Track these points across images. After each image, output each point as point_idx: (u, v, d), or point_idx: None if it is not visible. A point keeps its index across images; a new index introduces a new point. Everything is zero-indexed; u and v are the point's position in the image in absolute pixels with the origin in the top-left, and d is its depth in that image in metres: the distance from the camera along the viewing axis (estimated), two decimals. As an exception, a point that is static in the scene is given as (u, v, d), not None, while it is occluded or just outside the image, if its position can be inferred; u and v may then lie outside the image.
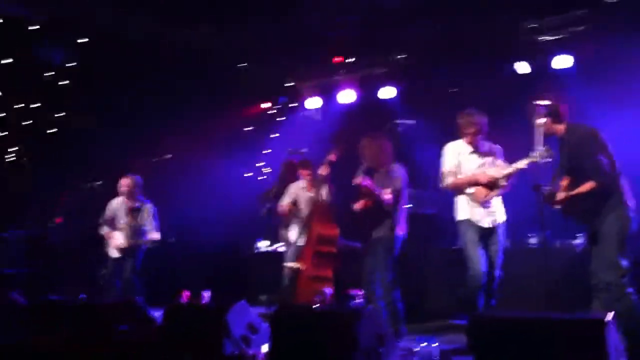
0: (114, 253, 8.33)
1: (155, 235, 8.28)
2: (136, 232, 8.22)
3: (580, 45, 8.38)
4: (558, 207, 5.46)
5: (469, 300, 5.95)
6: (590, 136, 5.38)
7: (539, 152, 5.36)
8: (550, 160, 5.38)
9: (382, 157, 6.73)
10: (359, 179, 6.54)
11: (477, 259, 5.98)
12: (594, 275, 5.21)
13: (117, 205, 8.47)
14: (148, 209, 8.41)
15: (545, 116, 5.45)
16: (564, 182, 5.46)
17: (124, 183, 8.40)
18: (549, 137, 5.48)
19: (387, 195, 6.50)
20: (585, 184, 5.28)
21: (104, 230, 8.41)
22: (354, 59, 9.96)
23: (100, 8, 8.61)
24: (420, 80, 9.73)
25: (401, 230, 6.64)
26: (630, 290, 5.10)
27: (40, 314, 6.52)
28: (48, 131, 10.35)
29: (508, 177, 6.06)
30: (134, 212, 8.27)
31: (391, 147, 6.83)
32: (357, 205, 6.70)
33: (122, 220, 8.37)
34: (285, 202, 7.73)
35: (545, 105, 5.48)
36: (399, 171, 6.75)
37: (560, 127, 5.51)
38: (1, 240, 9.57)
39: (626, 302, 5.03)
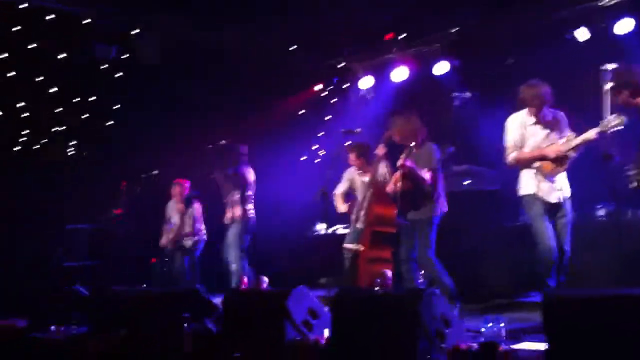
0: (163, 246, 9.32)
1: (190, 240, 9.17)
2: (182, 231, 9.19)
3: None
4: None
5: (542, 276, 5.74)
6: None
7: (608, 120, 5.13)
8: (621, 127, 5.13)
9: (416, 135, 6.54)
10: (402, 160, 6.35)
11: (546, 232, 5.76)
12: None
13: (171, 206, 9.47)
14: (191, 211, 9.22)
15: (624, 88, 5.20)
16: None
17: (173, 190, 9.38)
18: (629, 109, 5.24)
19: (426, 174, 6.34)
20: None
21: (164, 227, 9.41)
22: (405, 35, 9.75)
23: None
24: (475, 53, 9.46)
25: (440, 210, 6.47)
26: None
27: (104, 306, 6.60)
28: (106, 123, 10.44)
29: (576, 149, 5.81)
30: (182, 214, 9.21)
31: (424, 125, 6.64)
32: (390, 187, 6.55)
33: (173, 220, 9.33)
34: (340, 189, 7.68)
35: (622, 78, 5.24)
36: (434, 149, 6.55)
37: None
38: (65, 234, 9.75)
39: None
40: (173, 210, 9.40)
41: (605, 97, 5.20)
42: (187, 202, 9.26)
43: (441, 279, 6.22)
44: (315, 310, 5.47)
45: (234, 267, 7.87)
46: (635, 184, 5.24)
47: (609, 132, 5.15)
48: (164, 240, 9.29)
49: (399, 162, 6.37)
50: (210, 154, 8.42)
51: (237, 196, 8.08)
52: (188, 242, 9.18)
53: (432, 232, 6.39)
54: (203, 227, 9.26)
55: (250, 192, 8.13)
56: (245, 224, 8.06)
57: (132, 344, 5.82)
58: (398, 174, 6.43)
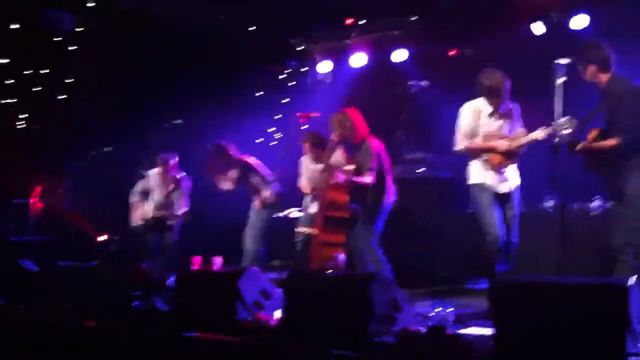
0: (137, 222, 8.57)
1: (182, 210, 8.54)
2: (167, 207, 8.51)
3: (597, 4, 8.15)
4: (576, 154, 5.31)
5: (489, 264, 5.83)
6: (632, 93, 5.18)
7: (560, 123, 5.20)
8: (570, 131, 5.21)
9: (356, 131, 6.59)
10: (337, 176, 6.48)
11: (494, 222, 5.82)
12: (614, 236, 5.12)
13: (153, 177, 8.63)
14: (182, 187, 8.59)
15: (593, 63, 5.28)
16: (592, 134, 5.29)
17: (164, 159, 8.53)
18: (593, 85, 5.32)
19: (368, 178, 6.39)
20: (609, 140, 5.12)
21: (133, 199, 8.62)
22: (365, 21, 9.77)
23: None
24: (433, 42, 9.52)
25: (387, 200, 6.54)
26: None
27: (50, 280, 6.51)
28: (58, 97, 10.24)
29: (524, 146, 5.90)
30: (169, 189, 8.51)
31: (363, 119, 6.66)
32: (342, 177, 6.59)
33: (156, 194, 8.56)
34: (303, 181, 7.70)
35: (596, 52, 5.29)
36: (375, 144, 6.58)
37: (604, 77, 5.30)
38: (12, 208, 9.58)
39: None
40: (157, 184, 8.62)
41: (558, 91, 5.25)
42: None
43: (380, 268, 6.29)
44: (267, 291, 5.49)
45: (248, 249, 7.75)
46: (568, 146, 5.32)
47: (558, 134, 5.22)
48: (138, 217, 8.59)
49: (335, 180, 6.50)
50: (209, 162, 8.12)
51: (255, 185, 7.91)
52: (172, 221, 8.60)
53: (377, 220, 6.45)
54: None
55: (266, 174, 7.95)
56: (272, 207, 7.93)
57: (77, 320, 5.75)
58: (346, 168, 6.53)
